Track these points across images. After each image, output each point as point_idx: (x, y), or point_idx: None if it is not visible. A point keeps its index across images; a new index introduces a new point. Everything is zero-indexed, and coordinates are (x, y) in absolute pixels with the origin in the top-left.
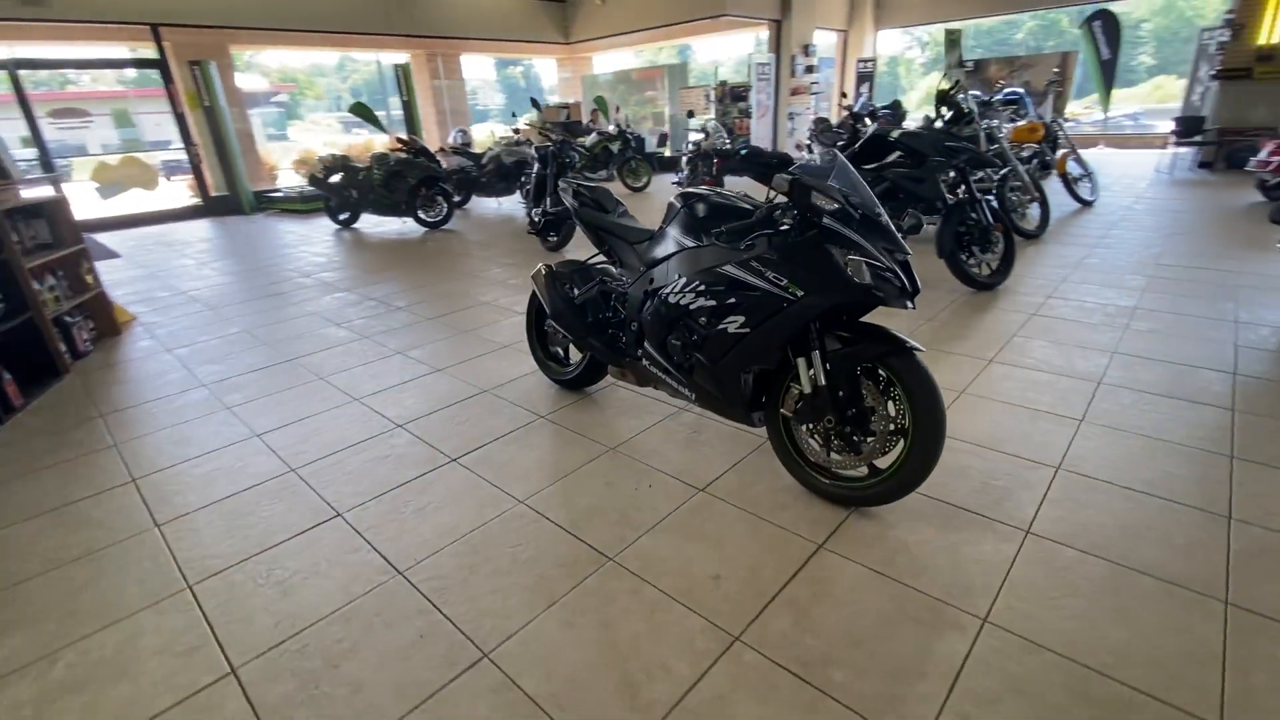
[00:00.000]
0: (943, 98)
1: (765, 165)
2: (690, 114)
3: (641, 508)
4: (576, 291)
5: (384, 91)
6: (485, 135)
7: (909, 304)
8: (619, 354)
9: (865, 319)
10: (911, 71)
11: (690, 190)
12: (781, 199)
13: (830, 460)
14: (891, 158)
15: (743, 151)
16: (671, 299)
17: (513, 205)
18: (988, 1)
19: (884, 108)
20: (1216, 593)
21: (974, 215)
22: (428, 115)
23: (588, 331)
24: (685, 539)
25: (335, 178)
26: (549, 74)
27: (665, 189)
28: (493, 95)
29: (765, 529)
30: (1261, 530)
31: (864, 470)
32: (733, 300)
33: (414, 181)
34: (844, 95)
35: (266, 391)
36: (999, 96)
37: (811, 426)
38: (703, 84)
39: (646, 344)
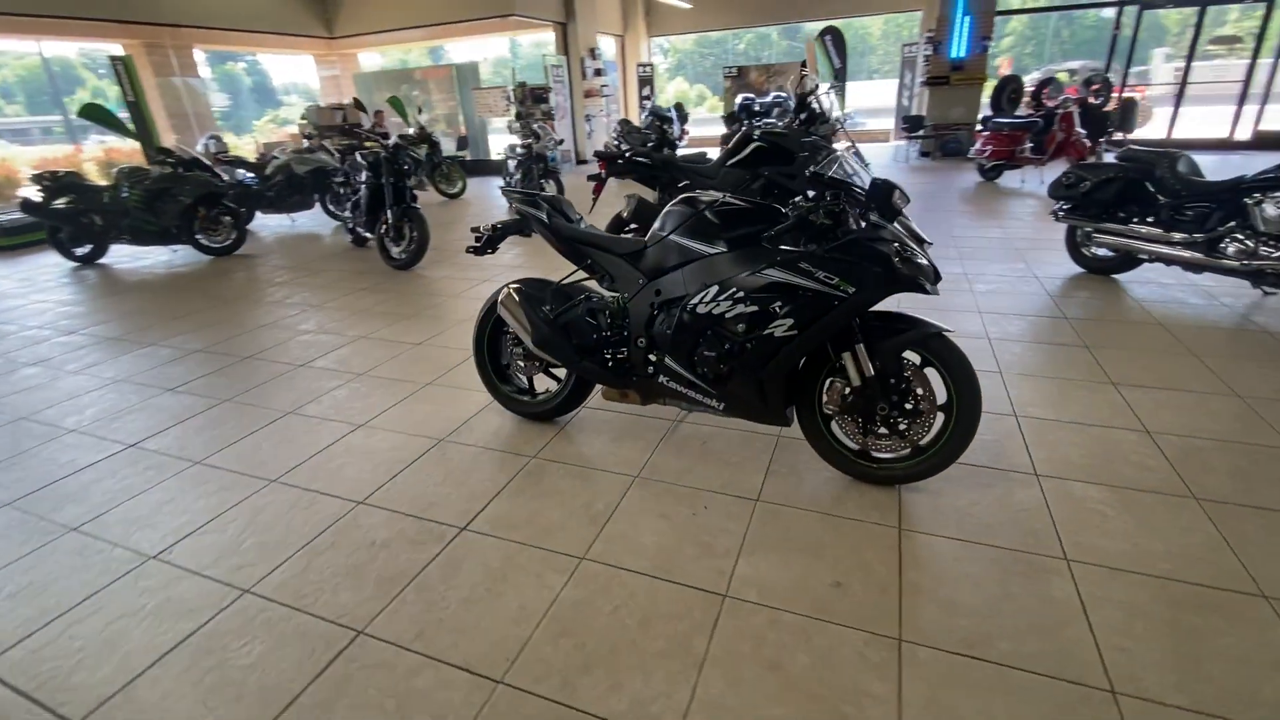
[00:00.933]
0: (801, 101)
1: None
2: (516, 116)
3: (714, 532)
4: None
5: (55, 90)
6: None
7: (936, 289)
8: (623, 375)
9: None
10: (658, 76)
11: (693, 196)
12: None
13: (875, 445)
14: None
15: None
16: (701, 309)
17: (311, 221)
18: (741, 16)
19: (668, 110)
20: (1184, 491)
21: None
22: (158, 119)
23: (581, 355)
24: (779, 554)
25: (61, 201)
26: (283, 72)
27: (485, 194)
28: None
29: (841, 524)
30: (1168, 435)
31: (907, 449)
32: (780, 304)
33: (188, 200)
34: (647, 97)
35: (141, 488)
36: (771, 99)
37: (856, 416)
38: (496, 84)
39: (668, 359)
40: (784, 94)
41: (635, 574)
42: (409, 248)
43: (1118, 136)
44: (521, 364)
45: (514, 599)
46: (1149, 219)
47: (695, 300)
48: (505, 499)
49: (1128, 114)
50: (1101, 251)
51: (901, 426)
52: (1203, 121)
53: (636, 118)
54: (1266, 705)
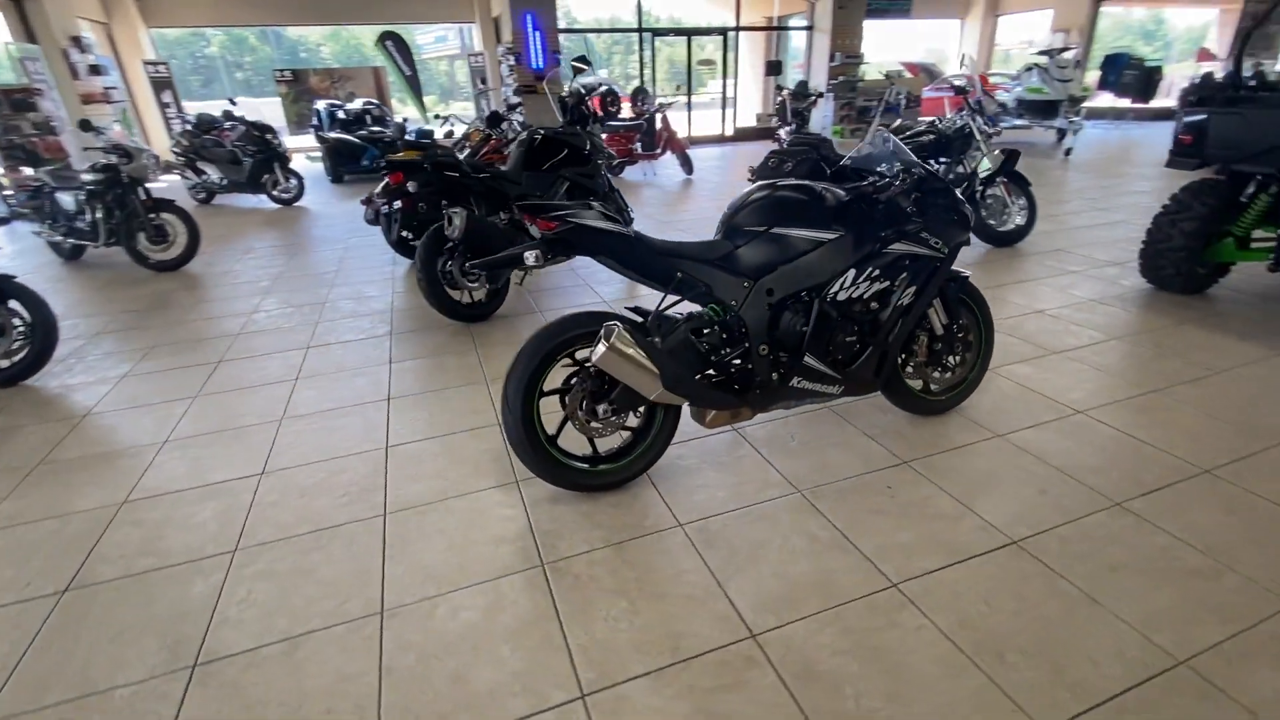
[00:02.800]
0: (577, 102)
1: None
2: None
3: (925, 497)
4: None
5: None
6: None
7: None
8: (742, 392)
9: None
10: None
11: (773, 183)
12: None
13: (935, 381)
14: (557, 157)
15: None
16: (842, 296)
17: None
18: (273, 12)
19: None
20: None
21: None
22: None
23: (706, 386)
24: (997, 487)
25: None
26: None
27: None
28: None
29: (1002, 459)
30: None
31: (958, 379)
32: (904, 274)
33: None
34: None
35: None
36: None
37: (929, 361)
38: None
39: (807, 357)
40: (374, 102)
41: (957, 566)
42: None
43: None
44: (598, 425)
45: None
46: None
47: (834, 289)
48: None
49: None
50: None
51: (954, 361)
52: (702, 123)
53: (157, 129)
54: None
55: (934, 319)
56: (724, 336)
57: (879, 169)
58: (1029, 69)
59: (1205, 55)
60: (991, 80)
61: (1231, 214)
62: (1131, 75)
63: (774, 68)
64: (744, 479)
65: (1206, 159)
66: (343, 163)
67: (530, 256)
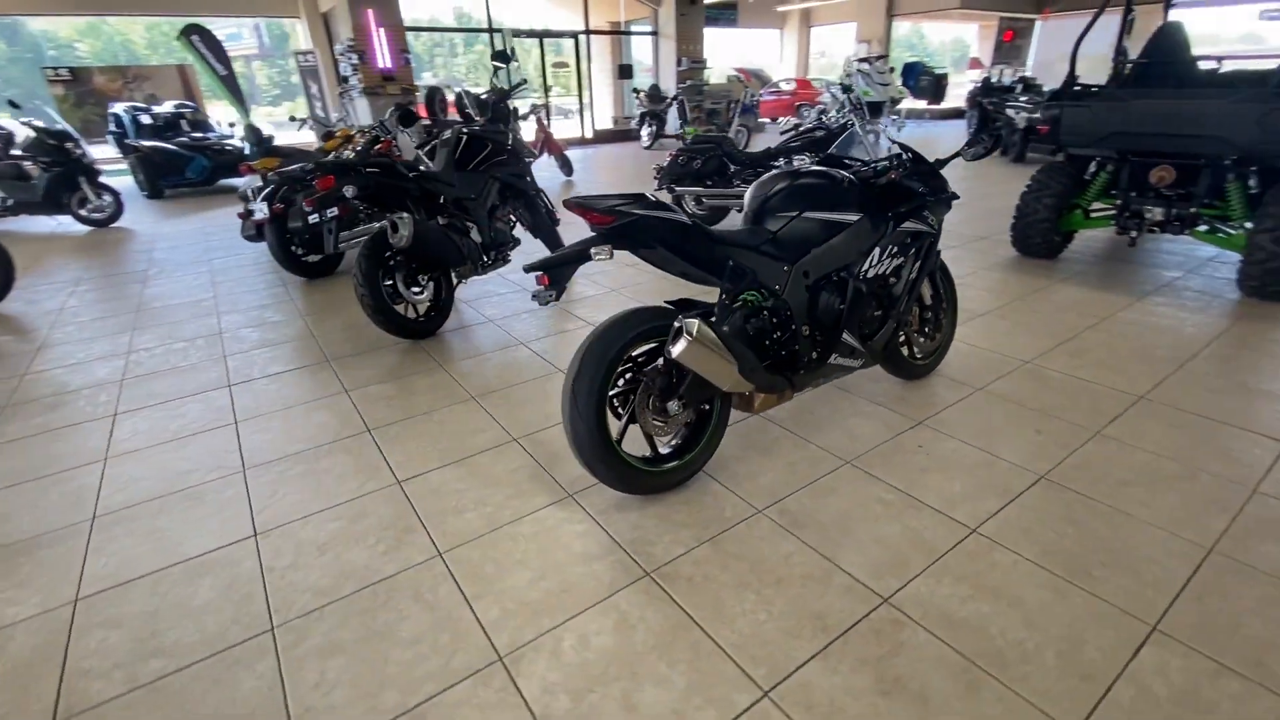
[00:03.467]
0: (500, 99)
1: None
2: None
3: (1069, 432)
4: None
5: None
6: None
7: None
8: (789, 373)
9: None
10: None
11: (809, 169)
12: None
13: (918, 346)
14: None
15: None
16: (872, 273)
17: None
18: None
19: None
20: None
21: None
22: None
23: (764, 371)
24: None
25: None
26: None
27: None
28: None
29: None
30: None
31: (931, 344)
32: (913, 249)
33: None
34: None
35: None
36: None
37: (915, 330)
38: None
39: (845, 334)
40: (190, 105)
41: (1012, 504)
42: None
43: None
44: (661, 423)
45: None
46: (736, 183)
47: (864, 267)
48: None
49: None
50: (700, 210)
51: (930, 328)
52: (561, 126)
53: None
54: None
55: (924, 290)
56: (773, 321)
57: (858, 157)
58: (852, 74)
59: (975, 63)
60: (816, 84)
61: (1078, 190)
62: (926, 80)
63: (625, 71)
64: (792, 459)
65: (1060, 145)
66: (161, 175)
67: (598, 252)
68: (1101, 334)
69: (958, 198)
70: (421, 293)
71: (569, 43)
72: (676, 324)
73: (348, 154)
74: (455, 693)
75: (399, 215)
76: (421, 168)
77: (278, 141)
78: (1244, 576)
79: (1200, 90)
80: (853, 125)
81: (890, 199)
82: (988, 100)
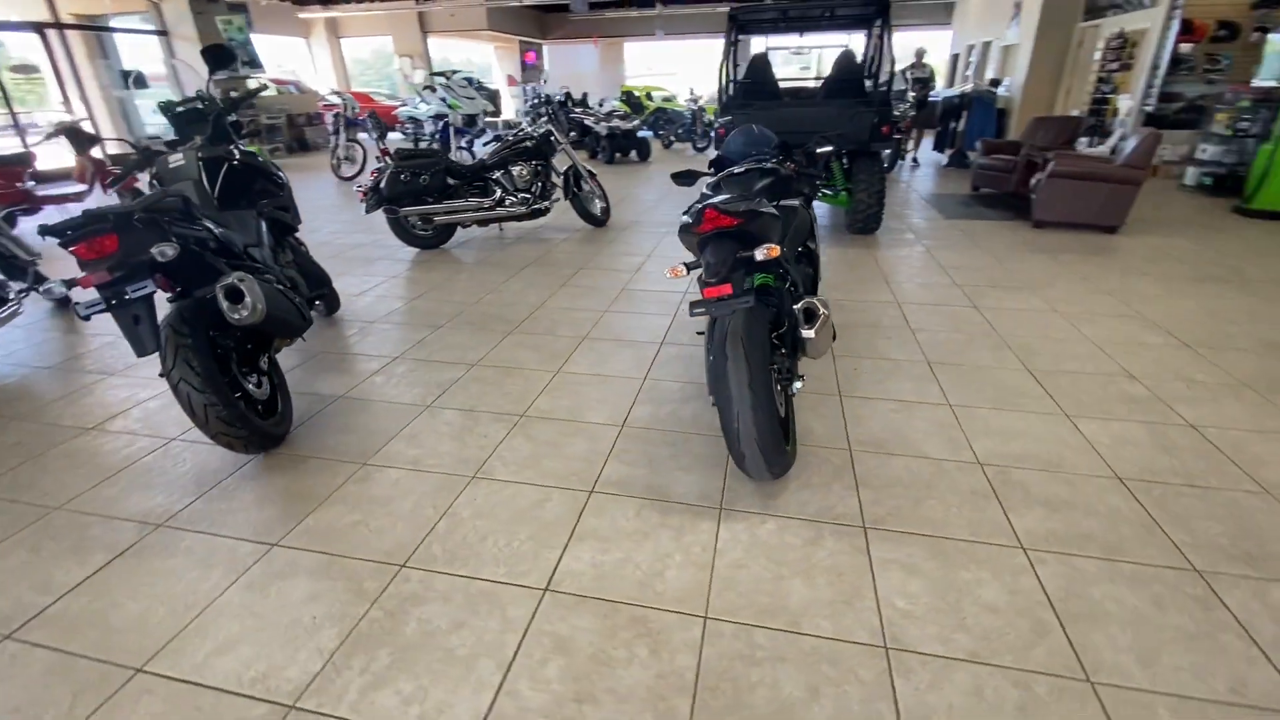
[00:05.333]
0: (228, 109)
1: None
2: None
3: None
4: None
5: None
6: None
7: None
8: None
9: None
10: None
11: (765, 168)
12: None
13: None
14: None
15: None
16: (813, 244)
17: None
18: None
19: None
20: None
21: None
22: None
23: None
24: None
25: None
26: None
27: None
28: None
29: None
30: None
31: None
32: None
33: None
34: None
35: None
36: None
37: None
38: None
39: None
40: None
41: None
42: None
43: None
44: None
45: None
46: (459, 198)
47: (810, 238)
48: None
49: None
50: (425, 230)
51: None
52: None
53: None
54: None
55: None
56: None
57: (759, 152)
58: (429, 88)
59: (512, 80)
60: (383, 99)
61: None
62: (486, 93)
63: (138, 80)
64: (864, 415)
65: None
66: None
67: (761, 252)
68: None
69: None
70: (261, 382)
71: (31, 40)
72: (799, 306)
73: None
74: None
75: (238, 275)
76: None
77: None
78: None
79: (806, 100)
80: (553, 134)
81: (807, 182)
82: (573, 113)
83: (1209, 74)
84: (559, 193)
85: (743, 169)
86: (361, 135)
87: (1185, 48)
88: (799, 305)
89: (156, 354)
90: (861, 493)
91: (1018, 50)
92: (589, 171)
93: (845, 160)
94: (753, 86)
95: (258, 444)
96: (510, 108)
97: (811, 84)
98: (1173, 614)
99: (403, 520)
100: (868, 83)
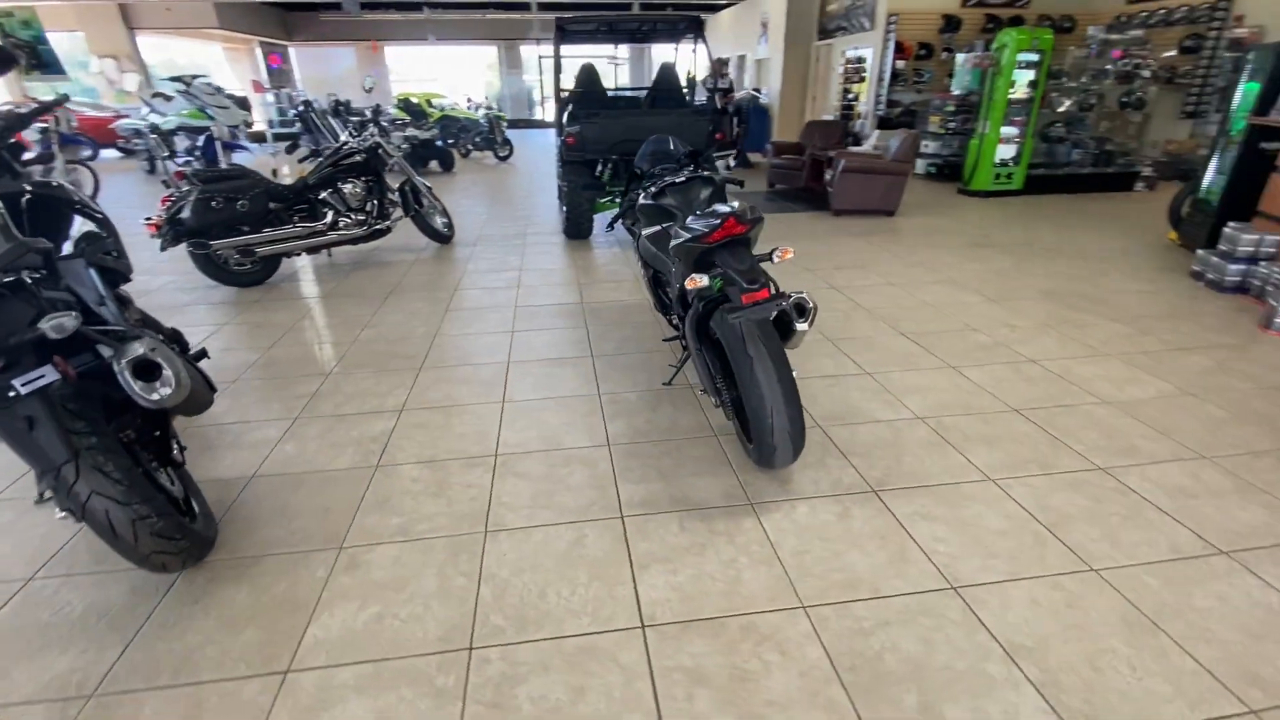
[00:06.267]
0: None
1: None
2: None
3: None
4: None
5: None
6: None
7: None
8: None
9: None
10: None
11: (699, 176)
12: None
13: None
14: None
15: None
16: None
17: None
18: None
19: None
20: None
21: None
22: None
23: None
24: None
25: None
26: None
27: None
28: None
29: None
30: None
31: None
32: None
33: None
34: None
35: None
36: None
37: None
38: None
39: None
40: None
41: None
42: None
43: None
44: None
45: None
46: (284, 224)
47: None
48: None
49: None
50: (248, 265)
51: None
52: None
53: None
54: None
55: None
56: None
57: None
58: (162, 95)
59: (259, 87)
60: (89, 111)
61: (597, 182)
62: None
63: None
64: (808, 393)
65: (584, 151)
66: None
67: (777, 254)
68: None
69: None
70: (173, 477)
71: None
72: (785, 303)
73: None
74: None
75: (146, 344)
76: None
77: None
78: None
79: (654, 110)
80: (383, 147)
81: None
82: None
83: (917, 85)
84: (398, 210)
85: (683, 179)
86: (86, 153)
87: (900, 64)
88: (790, 301)
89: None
90: (853, 461)
91: (770, 63)
92: (425, 185)
93: None
94: (584, 96)
95: (195, 555)
96: (261, 117)
97: (630, 94)
98: (1109, 504)
99: (436, 599)
100: (705, 94)
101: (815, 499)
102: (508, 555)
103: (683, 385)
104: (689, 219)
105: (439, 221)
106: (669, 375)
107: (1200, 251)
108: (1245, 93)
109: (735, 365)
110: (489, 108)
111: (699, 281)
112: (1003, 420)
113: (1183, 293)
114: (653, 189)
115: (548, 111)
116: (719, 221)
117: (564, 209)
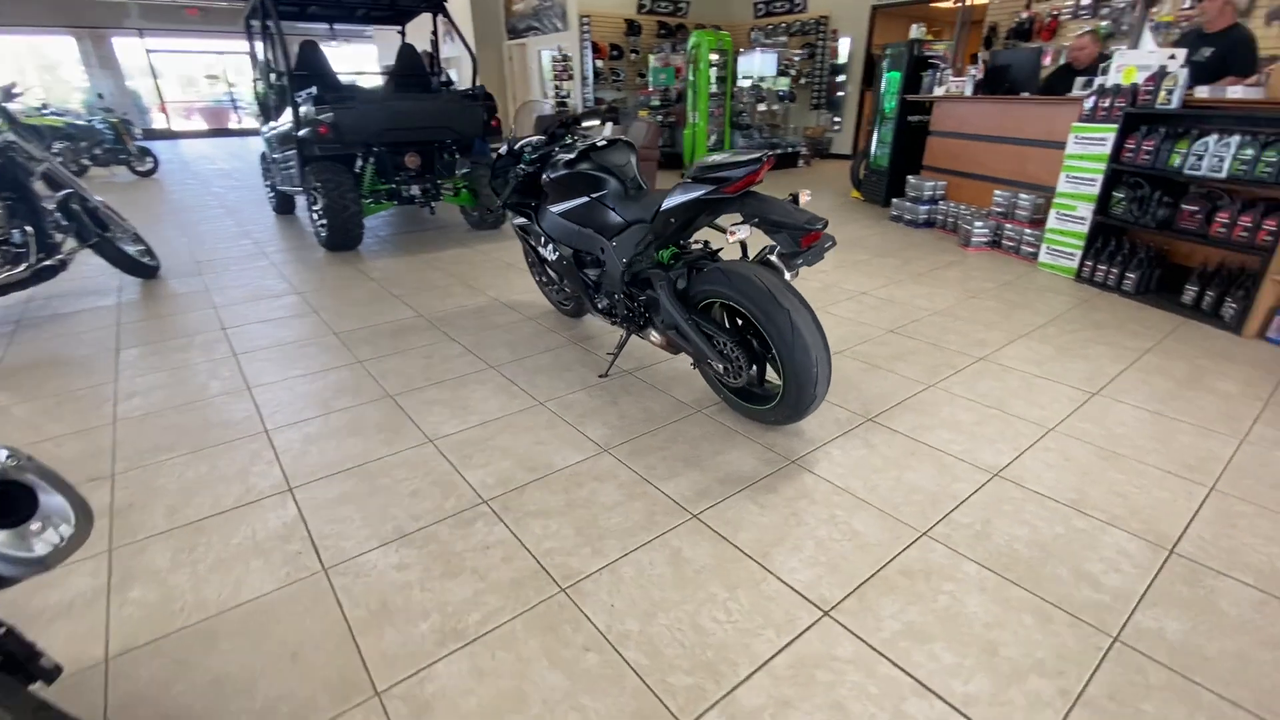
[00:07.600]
0: None
1: None
2: None
3: None
4: None
5: None
6: None
7: None
8: None
9: None
10: None
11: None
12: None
13: None
14: None
15: None
16: None
17: None
18: None
19: None
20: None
21: None
22: None
23: None
24: None
25: None
26: None
27: None
28: None
29: None
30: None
31: None
32: None
33: None
34: None
35: None
36: None
37: None
38: None
39: None
40: None
41: None
42: None
43: None
44: None
45: None
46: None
47: None
48: None
49: None
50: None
51: None
52: None
53: None
54: None
55: None
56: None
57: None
58: None
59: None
60: None
61: (359, 181)
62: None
63: None
64: None
65: (343, 143)
66: None
67: (806, 195)
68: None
69: None
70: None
71: None
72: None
73: None
74: None
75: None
76: None
77: None
78: None
79: (420, 96)
80: (17, 145)
81: None
82: None
83: (615, 82)
84: (72, 239)
85: (604, 141)
86: None
87: (599, 64)
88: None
89: None
90: (832, 400)
91: (461, 60)
92: (99, 200)
93: (456, 155)
94: (308, 79)
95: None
96: None
97: (362, 78)
98: (1010, 380)
99: (584, 689)
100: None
101: (835, 440)
102: (616, 606)
103: (619, 373)
104: (711, 168)
105: (133, 249)
106: (604, 367)
107: (895, 200)
108: (890, 80)
109: (765, 323)
110: (107, 110)
111: (738, 234)
112: (893, 340)
113: (897, 231)
114: (566, 158)
115: (173, 120)
116: (760, 157)
117: (321, 218)
